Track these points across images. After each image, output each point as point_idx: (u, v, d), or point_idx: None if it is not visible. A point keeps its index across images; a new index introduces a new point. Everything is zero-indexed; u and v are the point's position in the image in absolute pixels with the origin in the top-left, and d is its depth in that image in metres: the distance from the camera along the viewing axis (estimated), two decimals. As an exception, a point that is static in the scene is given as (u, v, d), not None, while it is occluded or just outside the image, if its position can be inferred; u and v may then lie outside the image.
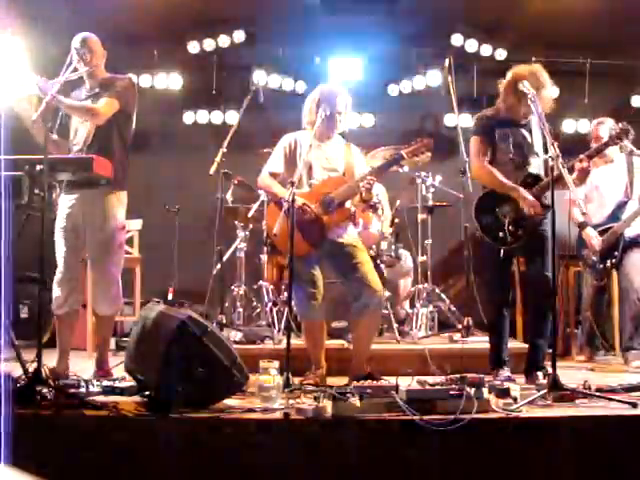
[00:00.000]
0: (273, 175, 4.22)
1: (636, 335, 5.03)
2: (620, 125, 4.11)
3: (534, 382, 3.97)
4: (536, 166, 4.18)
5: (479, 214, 4.17)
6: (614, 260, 5.06)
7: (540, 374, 4.03)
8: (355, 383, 3.38)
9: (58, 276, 4.02)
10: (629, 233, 5.08)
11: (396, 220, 5.77)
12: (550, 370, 3.56)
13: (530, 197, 4.04)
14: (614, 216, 5.15)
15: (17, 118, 3.93)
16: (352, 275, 4.05)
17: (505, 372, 4.12)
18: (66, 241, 4.03)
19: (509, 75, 4.12)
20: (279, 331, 4.97)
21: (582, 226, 5.15)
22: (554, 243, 3.89)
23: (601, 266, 5.11)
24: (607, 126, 5.11)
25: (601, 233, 5.12)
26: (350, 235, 4.19)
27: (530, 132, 4.20)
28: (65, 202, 4.08)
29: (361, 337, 4.14)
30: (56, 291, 4.02)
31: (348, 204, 4.16)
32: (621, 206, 5.16)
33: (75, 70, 4.04)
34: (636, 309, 5.02)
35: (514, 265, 4.76)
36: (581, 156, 4.04)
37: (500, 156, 4.18)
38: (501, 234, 4.07)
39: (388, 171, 4.28)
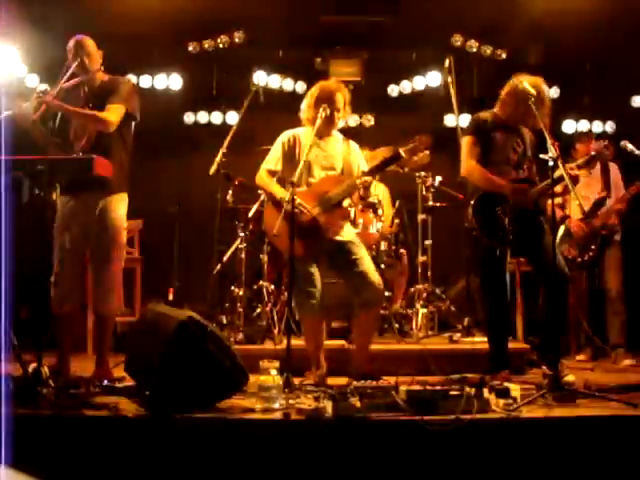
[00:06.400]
0: (271, 173, 4.22)
1: (622, 332, 5.18)
2: (605, 143, 4.35)
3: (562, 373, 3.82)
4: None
5: (478, 214, 4.18)
6: (591, 254, 5.29)
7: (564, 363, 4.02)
8: (355, 383, 3.37)
9: (57, 277, 4.01)
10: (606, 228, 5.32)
11: (396, 220, 5.77)
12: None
13: (517, 185, 4.12)
14: (593, 212, 5.36)
15: (18, 119, 3.92)
16: (352, 271, 4.04)
17: (505, 373, 4.11)
18: (65, 242, 4.02)
19: (515, 82, 4.10)
20: (279, 331, 4.98)
21: (564, 218, 5.40)
22: (554, 242, 3.96)
23: (579, 259, 5.31)
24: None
25: None
26: (348, 232, 4.18)
27: (523, 138, 4.27)
28: (64, 202, 4.07)
29: (362, 333, 4.14)
30: (55, 292, 4.01)
31: (346, 203, 4.16)
32: (600, 203, 5.38)
33: (74, 76, 4.01)
34: (618, 306, 5.21)
35: (513, 265, 4.80)
36: (571, 165, 4.11)
37: (496, 159, 4.20)
38: (501, 233, 4.08)
39: (386, 170, 4.28)
